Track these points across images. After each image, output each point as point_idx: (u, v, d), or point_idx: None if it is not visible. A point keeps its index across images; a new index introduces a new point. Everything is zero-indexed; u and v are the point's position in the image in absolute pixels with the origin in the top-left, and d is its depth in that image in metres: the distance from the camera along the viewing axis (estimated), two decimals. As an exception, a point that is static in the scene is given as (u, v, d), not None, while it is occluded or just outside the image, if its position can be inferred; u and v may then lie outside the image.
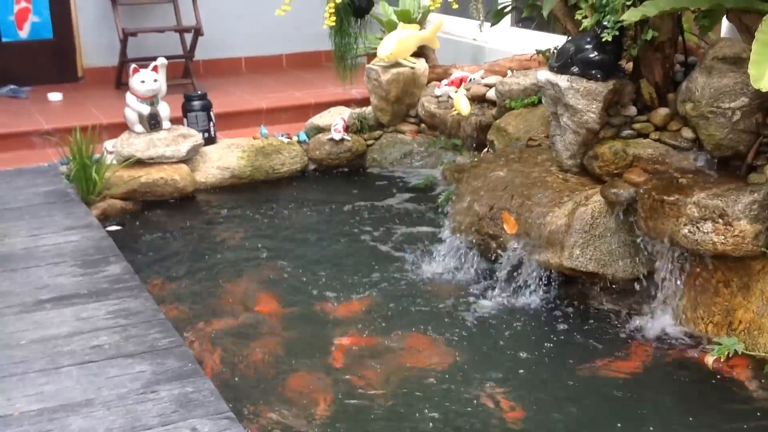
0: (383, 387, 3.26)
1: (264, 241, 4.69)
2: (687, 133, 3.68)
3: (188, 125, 5.60)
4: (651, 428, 2.94)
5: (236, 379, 3.29)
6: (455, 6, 6.07)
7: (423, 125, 5.92)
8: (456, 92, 5.58)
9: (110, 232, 4.35)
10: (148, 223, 4.96)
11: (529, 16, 5.27)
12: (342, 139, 5.70)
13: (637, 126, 3.81)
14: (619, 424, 2.96)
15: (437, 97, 5.79)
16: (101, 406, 2.66)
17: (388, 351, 3.52)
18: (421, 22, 6.22)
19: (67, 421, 2.59)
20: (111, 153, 5.25)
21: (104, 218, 4.81)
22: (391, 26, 6.07)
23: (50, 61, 7.47)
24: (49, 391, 2.76)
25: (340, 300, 3.96)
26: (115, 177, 5.04)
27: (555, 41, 4.95)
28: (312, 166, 5.77)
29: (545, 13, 4.08)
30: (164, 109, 5.33)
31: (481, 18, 5.69)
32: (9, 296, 3.47)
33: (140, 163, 5.16)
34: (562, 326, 3.65)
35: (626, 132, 3.81)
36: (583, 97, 3.73)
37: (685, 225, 3.32)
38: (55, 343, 3.07)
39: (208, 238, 4.75)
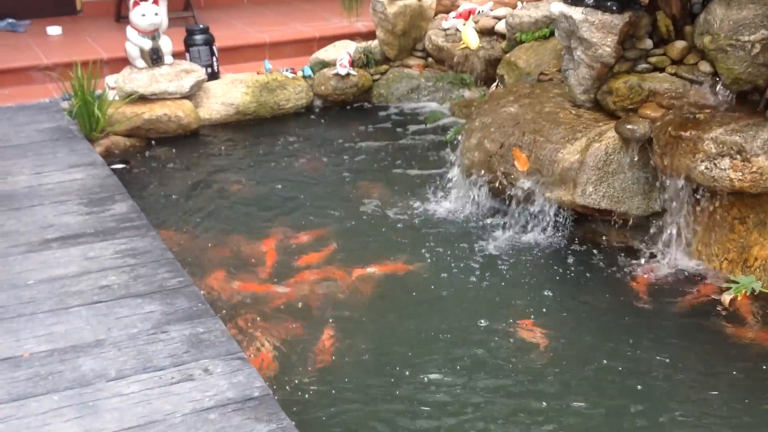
0: (396, 308, 3.34)
1: (268, 178, 4.63)
2: (704, 66, 3.59)
3: (191, 60, 5.49)
4: (662, 364, 2.94)
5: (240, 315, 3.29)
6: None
7: (430, 59, 5.81)
8: (464, 25, 5.47)
9: (114, 170, 4.28)
10: (152, 160, 4.89)
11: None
12: (348, 74, 5.59)
13: (653, 60, 3.72)
14: (630, 359, 2.96)
15: (445, 30, 5.67)
16: (112, 347, 2.64)
17: (396, 278, 3.55)
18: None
19: (78, 362, 2.57)
20: (113, 89, 5.16)
21: (108, 155, 4.74)
22: (397, -43, 5.91)
23: (48, -7, 7.30)
24: (58, 331, 2.73)
25: (346, 234, 3.93)
26: (117, 113, 4.96)
27: (567, -28, 4.82)
28: (317, 102, 5.67)
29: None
30: (166, 44, 5.22)
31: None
32: (14, 236, 3.42)
33: (143, 99, 5.07)
34: (573, 262, 3.62)
35: (642, 66, 3.72)
36: (598, 29, 3.63)
37: (702, 161, 3.25)
38: (63, 282, 3.04)
39: (212, 175, 4.68)
